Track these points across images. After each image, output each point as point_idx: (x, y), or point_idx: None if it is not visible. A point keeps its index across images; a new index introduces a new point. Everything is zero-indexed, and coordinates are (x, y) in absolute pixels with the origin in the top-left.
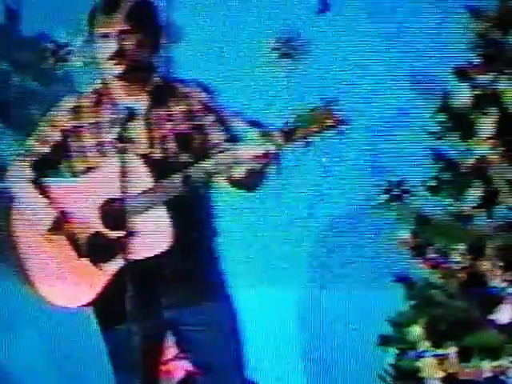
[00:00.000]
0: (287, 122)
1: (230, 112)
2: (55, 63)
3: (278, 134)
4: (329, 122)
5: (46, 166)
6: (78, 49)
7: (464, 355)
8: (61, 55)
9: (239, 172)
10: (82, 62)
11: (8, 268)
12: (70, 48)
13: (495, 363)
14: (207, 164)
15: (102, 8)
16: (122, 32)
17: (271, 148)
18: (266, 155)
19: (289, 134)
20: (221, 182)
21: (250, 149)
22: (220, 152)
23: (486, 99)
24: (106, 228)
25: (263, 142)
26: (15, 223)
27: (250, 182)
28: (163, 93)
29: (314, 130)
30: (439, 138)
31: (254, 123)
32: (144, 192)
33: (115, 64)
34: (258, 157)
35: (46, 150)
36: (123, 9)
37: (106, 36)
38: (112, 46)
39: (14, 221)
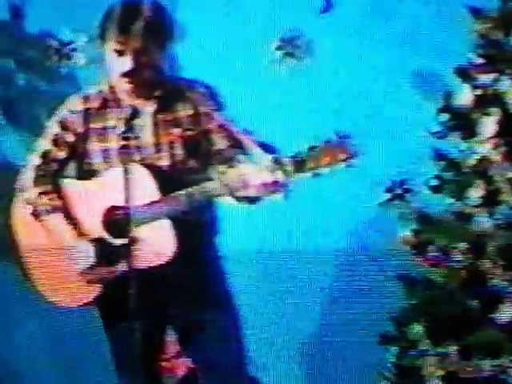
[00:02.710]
0: (299, 152)
1: (239, 126)
2: (59, 61)
3: (289, 163)
4: (341, 155)
5: (62, 170)
6: (82, 47)
7: (464, 354)
8: (65, 53)
9: (245, 193)
10: (86, 59)
11: (9, 264)
12: (73, 46)
13: (495, 362)
14: (214, 184)
15: (117, 23)
16: (137, 50)
17: (280, 176)
18: (274, 183)
19: (299, 164)
20: (224, 197)
21: (260, 175)
22: (225, 160)
23: (488, 99)
24: (109, 234)
25: (273, 170)
26: (17, 220)
27: (252, 198)
28: (170, 97)
29: (325, 162)
30: (441, 138)
31: (264, 147)
32: (149, 204)
33: (128, 82)
34: (266, 184)
35: (63, 154)
36: (138, 25)
37: (120, 53)
38: (127, 64)
39: (16, 218)
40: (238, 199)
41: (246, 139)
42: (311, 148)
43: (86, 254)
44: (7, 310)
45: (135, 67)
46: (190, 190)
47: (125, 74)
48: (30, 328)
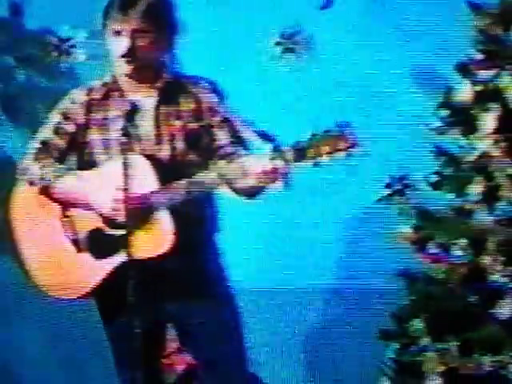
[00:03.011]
0: (299, 141)
1: (241, 121)
2: (59, 57)
3: (289, 152)
4: (341, 144)
5: (62, 159)
6: (82, 43)
7: (465, 350)
8: (64, 49)
9: (244, 183)
10: (86, 55)
11: (8, 259)
12: (73, 42)
13: (496, 358)
14: (214, 173)
15: (118, 4)
16: (135, 30)
17: (280, 164)
18: (274, 171)
19: (299, 153)
20: (223, 188)
21: (259, 163)
22: (226, 155)
23: (488, 95)
24: (107, 225)
25: (273, 158)
26: (14, 213)
27: (252, 190)
28: (172, 90)
29: (326, 151)
30: (441, 134)
31: (264, 136)
32: (147, 194)
33: (126, 62)
34: (266, 172)
35: (63, 143)
36: (140, 7)
37: (118, 33)
38: (124, 44)
39: (14, 211)
40: (238, 192)
41: (248, 133)
42: (311, 137)
43: (109, 194)
44: (6, 306)
45: (132, 47)
46: (188, 179)
47: (123, 55)
48: (30, 325)
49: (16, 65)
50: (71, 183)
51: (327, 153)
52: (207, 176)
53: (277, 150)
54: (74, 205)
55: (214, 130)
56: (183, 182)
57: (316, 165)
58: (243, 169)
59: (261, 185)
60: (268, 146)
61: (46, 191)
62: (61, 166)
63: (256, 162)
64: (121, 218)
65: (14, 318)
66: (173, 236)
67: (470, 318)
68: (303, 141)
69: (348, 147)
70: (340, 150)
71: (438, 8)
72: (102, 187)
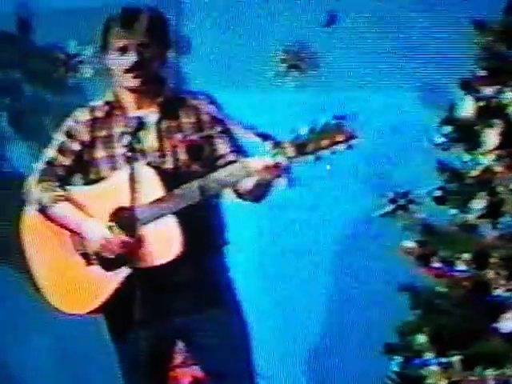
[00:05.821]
0: (298, 135)
1: (239, 124)
2: (66, 73)
3: (289, 146)
4: (339, 137)
5: (68, 177)
6: (89, 59)
7: (468, 363)
8: (72, 65)
9: (247, 184)
10: (93, 71)
11: (17, 272)
12: (80, 58)
13: (499, 371)
14: (217, 175)
15: (120, 21)
16: (140, 45)
17: (281, 160)
18: (276, 167)
19: (300, 147)
20: (227, 194)
21: (260, 160)
22: (227, 163)
23: (491, 111)
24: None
25: (274, 154)
26: (24, 229)
27: (257, 193)
28: (173, 104)
29: (325, 144)
30: (445, 149)
31: (264, 136)
32: (154, 201)
33: (133, 77)
34: (267, 168)
35: (69, 161)
36: (142, 22)
37: (123, 49)
38: (130, 59)
39: (23, 227)
40: (243, 196)
41: (248, 135)
42: (310, 131)
43: (100, 230)
44: (15, 320)
45: (140, 60)
46: (193, 183)
47: (129, 69)
48: (38, 339)
49: (24, 80)
50: (65, 210)
51: (327, 146)
52: (212, 178)
53: (277, 146)
54: (67, 230)
55: (215, 140)
56: (188, 185)
57: (317, 159)
58: (245, 168)
59: (264, 182)
60: (267, 143)
61: (43, 214)
62: (59, 193)
63: (257, 160)
64: (108, 254)
65: (24, 333)
66: (180, 244)
67: (474, 331)
68: (302, 135)
69: (347, 140)
70: (339, 142)
71: (442, 25)
72: (98, 213)
